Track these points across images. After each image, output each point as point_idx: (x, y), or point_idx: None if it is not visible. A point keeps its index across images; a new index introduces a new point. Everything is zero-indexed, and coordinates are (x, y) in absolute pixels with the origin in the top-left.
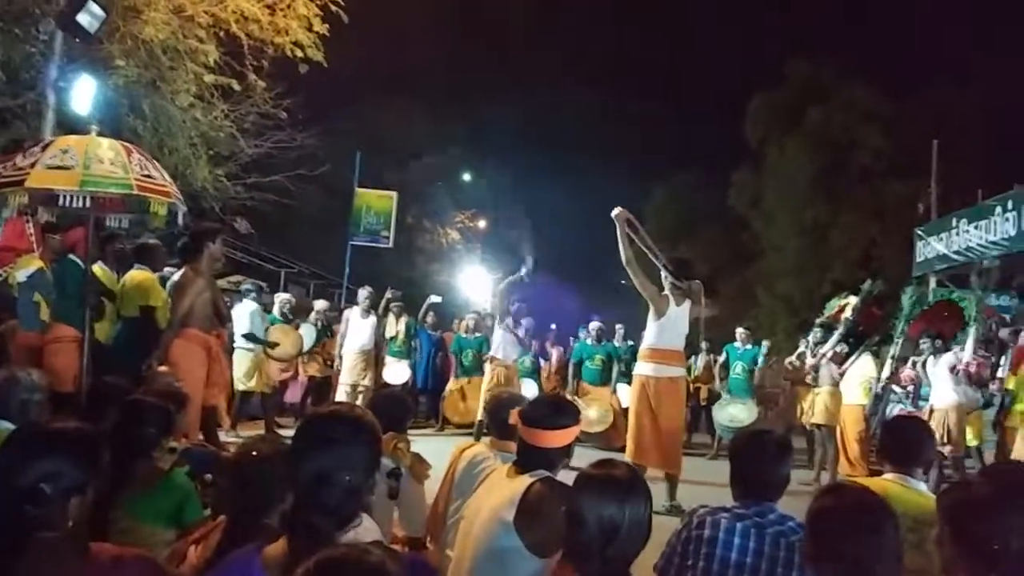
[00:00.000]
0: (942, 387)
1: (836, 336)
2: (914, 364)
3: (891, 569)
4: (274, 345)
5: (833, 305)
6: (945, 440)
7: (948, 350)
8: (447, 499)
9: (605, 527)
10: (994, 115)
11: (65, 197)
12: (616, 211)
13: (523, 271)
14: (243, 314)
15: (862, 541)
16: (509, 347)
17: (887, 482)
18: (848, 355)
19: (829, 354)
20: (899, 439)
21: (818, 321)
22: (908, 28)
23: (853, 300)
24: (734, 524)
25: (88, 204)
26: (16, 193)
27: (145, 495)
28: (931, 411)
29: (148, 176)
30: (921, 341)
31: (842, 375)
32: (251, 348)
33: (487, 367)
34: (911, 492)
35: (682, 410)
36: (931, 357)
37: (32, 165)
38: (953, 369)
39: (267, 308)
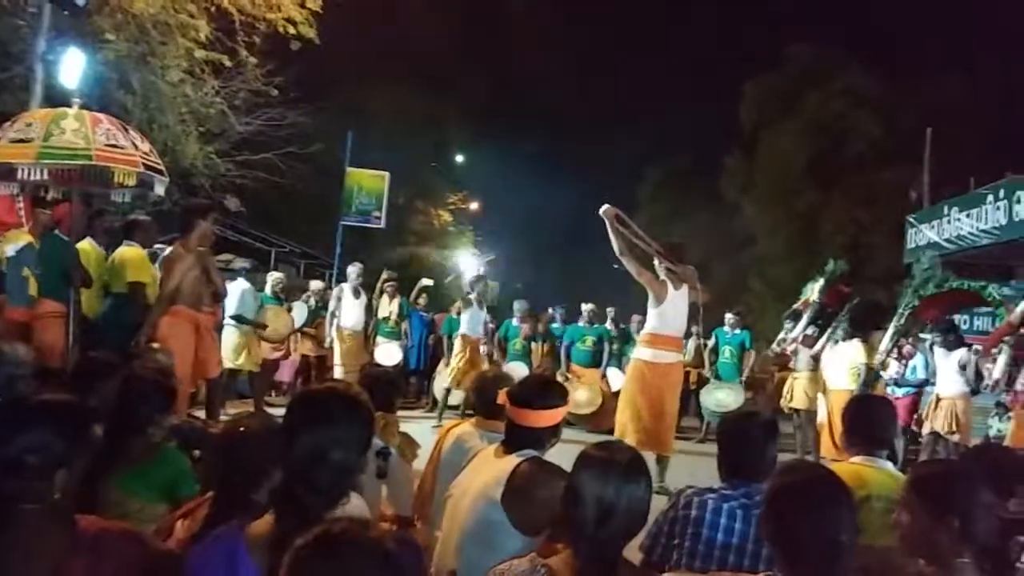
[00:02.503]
0: (950, 378)
1: (804, 320)
2: (914, 339)
3: (851, 543)
4: (264, 327)
5: (809, 290)
6: (953, 429)
7: (961, 344)
8: (433, 478)
9: (602, 508)
10: (987, 103)
11: (23, 170)
12: (603, 208)
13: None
14: (234, 293)
15: (820, 516)
16: (476, 324)
17: (858, 465)
18: (818, 337)
19: (800, 339)
20: (863, 420)
21: (791, 308)
22: (905, 14)
23: (821, 281)
24: (721, 505)
25: (45, 177)
26: None
27: (138, 470)
28: (937, 399)
29: (113, 145)
30: (933, 333)
31: (815, 358)
32: (239, 326)
33: (456, 342)
34: (883, 473)
35: (678, 395)
36: (940, 348)
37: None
38: (964, 367)
39: (259, 287)
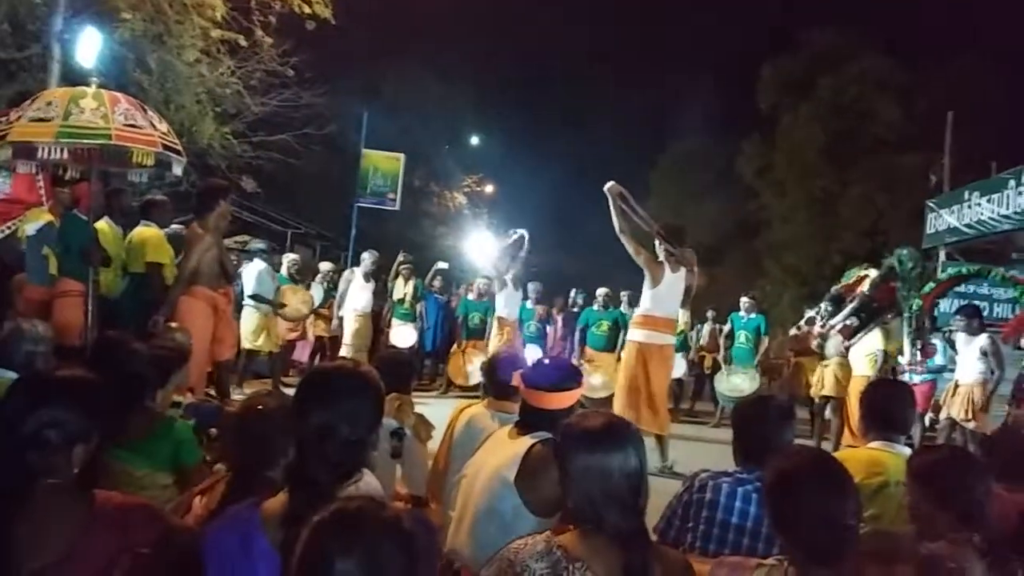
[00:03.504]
0: (970, 364)
1: (848, 310)
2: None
3: (854, 526)
4: (282, 305)
5: (852, 275)
6: (969, 416)
7: (983, 330)
8: (446, 458)
9: (631, 479)
10: (1010, 87)
11: (43, 149)
12: (608, 185)
13: (517, 235)
14: (252, 274)
15: (821, 501)
16: (513, 306)
17: (876, 451)
18: (858, 329)
19: (839, 327)
20: (881, 405)
21: (832, 290)
22: None
23: (873, 273)
24: (735, 489)
25: (65, 155)
26: (2, 148)
27: (140, 442)
28: (956, 386)
29: (132, 125)
30: (956, 317)
31: (848, 349)
32: (259, 307)
33: (493, 325)
34: (901, 459)
35: (668, 376)
36: (963, 334)
37: (19, 119)
38: (985, 354)
39: (275, 268)
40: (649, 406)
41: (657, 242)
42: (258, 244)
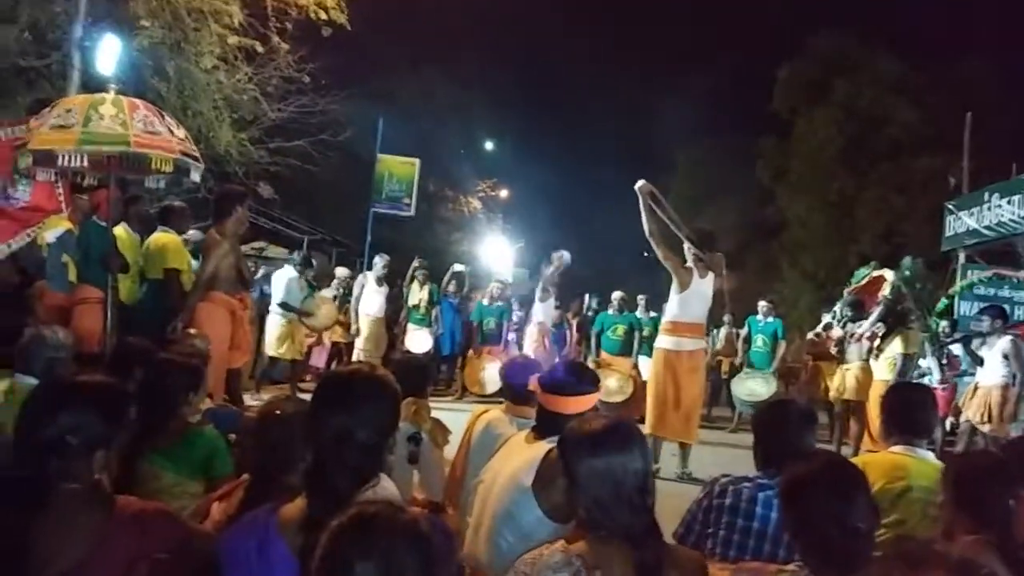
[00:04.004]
0: (991, 367)
1: (876, 315)
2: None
3: (869, 530)
4: (308, 314)
5: (862, 275)
6: (985, 419)
7: (1006, 331)
8: (464, 464)
9: (638, 479)
10: None
11: (63, 156)
12: (639, 184)
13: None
14: (281, 281)
15: (837, 505)
16: (550, 314)
17: (898, 456)
18: (886, 335)
19: (867, 333)
20: (901, 409)
21: (846, 293)
22: None
23: (888, 274)
24: (756, 494)
25: (85, 163)
26: (23, 155)
27: (173, 449)
28: (975, 388)
29: (151, 132)
30: (983, 317)
31: (876, 353)
32: (286, 315)
33: (532, 331)
34: (925, 464)
35: (702, 382)
36: (987, 337)
37: (39, 126)
38: (1006, 357)
39: (307, 278)
40: (678, 414)
41: (686, 246)
42: (281, 252)
